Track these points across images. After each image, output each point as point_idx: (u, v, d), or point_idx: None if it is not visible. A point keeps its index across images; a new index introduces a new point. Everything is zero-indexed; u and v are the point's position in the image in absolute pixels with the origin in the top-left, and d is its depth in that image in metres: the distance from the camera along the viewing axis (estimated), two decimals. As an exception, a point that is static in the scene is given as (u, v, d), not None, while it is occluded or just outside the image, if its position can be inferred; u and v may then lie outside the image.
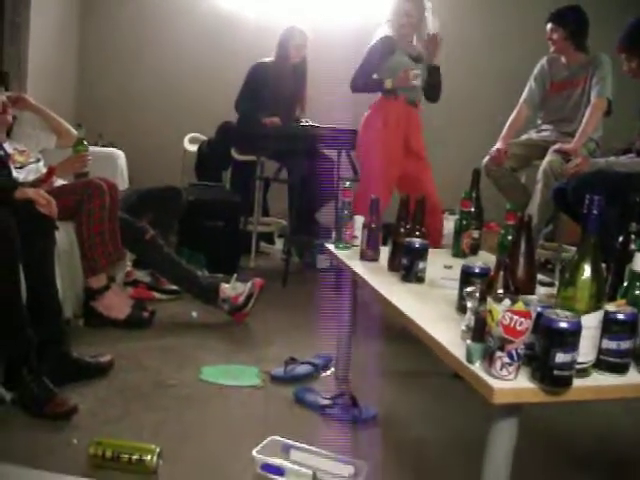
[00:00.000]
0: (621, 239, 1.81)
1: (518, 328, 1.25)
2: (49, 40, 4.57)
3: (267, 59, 4.40)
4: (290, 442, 1.94)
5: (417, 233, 2.13)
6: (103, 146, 4.34)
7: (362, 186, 3.59)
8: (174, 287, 3.41)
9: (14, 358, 2.16)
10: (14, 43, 4.10)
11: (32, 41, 4.19)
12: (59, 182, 3.13)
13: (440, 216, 3.64)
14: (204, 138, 4.94)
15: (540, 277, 1.95)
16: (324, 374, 2.65)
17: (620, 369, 1.37)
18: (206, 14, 5.28)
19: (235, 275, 3.28)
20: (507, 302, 1.29)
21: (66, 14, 4.97)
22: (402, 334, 2.21)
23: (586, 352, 1.32)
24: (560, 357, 1.24)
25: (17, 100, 3.23)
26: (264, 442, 1.92)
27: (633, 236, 1.80)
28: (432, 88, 3.72)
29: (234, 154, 4.47)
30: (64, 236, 2.75)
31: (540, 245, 4.05)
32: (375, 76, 3.63)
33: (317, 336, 3.01)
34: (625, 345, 1.37)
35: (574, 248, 2.31)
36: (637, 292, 1.52)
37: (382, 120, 3.61)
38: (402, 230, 2.20)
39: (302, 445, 1.93)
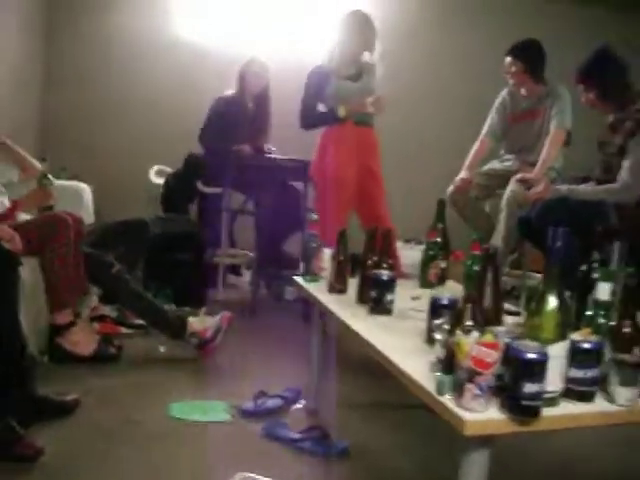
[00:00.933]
0: (583, 268, 1.86)
1: (487, 360, 1.27)
2: (11, 73, 4.53)
3: (230, 91, 4.43)
4: (260, 478, 1.92)
5: (384, 265, 2.14)
6: (68, 179, 4.30)
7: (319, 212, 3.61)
8: (141, 322, 3.37)
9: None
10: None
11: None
12: (23, 216, 3.10)
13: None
14: (170, 170, 4.93)
15: (507, 306, 1.98)
16: (294, 407, 2.63)
17: (587, 397, 1.39)
18: (172, 48, 5.30)
19: (203, 308, 3.26)
20: (475, 334, 1.31)
21: (29, 46, 4.95)
22: (371, 365, 2.22)
23: (554, 381, 1.34)
24: (528, 387, 1.26)
25: (-21, 135, 3.21)
26: (234, 478, 1.90)
27: (595, 265, 1.84)
28: None
29: (200, 186, 4.47)
30: (28, 271, 2.70)
31: (505, 272, 4.11)
32: (322, 107, 3.68)
33: (287, 369, 3.00)
34: (592, 373, 1.39)
35: (539, 275, 2.34)
36: (601, 320, 1.55)
37: (333, 145, 3.66)
38: (370, 262, 2.21)
39: (273, 481, 1.91)
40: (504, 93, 4.05)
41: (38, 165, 3.40)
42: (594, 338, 1.41)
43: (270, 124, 4.56)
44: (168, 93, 5.24)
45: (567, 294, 1.45)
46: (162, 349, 3.22)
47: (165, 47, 5.29)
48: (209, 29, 5.37)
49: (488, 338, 1.28)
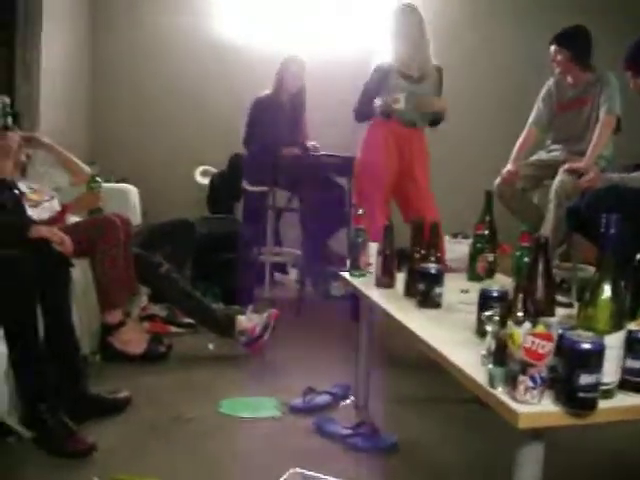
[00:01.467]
0: (638, 256, 1.80)
1: (540, 351, 1.24)
2: (60, 78, 4.62)
3: (266, 92, 4.44)
4: (312, 474, 1.92)
5: (432, 258, 2.12)
6: (116, 182, 4.37)
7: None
8: (190, 320, 3.41)
9: (33, 396, 2.15)
10: (26, 82, 4.14)
11: (43, 79, 4.24)
12: (73, 219, 3.16)
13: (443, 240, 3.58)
14: (215, 171, 4.97)
15: (558, 298, 1.93)
16: (343, 403, 2.63)
17: (646, 389, 1.36)
18: (214, 47, 5.33)
19: (250, 306, 3.28)
20: (528, 325, 1.28)
21: (76, 52, 5.04)
22: (419, 360, 2.20)
23: (610, 373, 1.30)
24: (584, 379, 1.23)
25: (30, 139, 3.28)
26: (285, 475, 1.91)
27: (651, 253, 1.79)
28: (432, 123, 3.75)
29: (245, 185, 4.49)
30: (80, 273, 2.76)
31: (555, 265, 4.03)
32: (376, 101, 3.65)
33: (335, 365, 3.00)
34: (649, 364, 1.35)
35: (589, 267, 2.28)
36: (658, 310, 1.50)
37: (375, 140, 3.63)
38: (417, 256, 2.19)
39: (324, 477, 1.91)
40: (550, 82, 3.97)
41: (87, 169, 3.46)
42: (651, 328, 1.37)
43: (305, 123, 4.55)
44: (212, 94, 5.28)
45: (622, 283, 1.41)
46: (211, 347, 3.25)
47: (209, 48, 5.33)
48: (251, 29, 5.38)
49: (541, 329, 1.26)
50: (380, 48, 3.72)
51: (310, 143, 4.49)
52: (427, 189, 3.69)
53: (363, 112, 3.66)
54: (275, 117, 4.34)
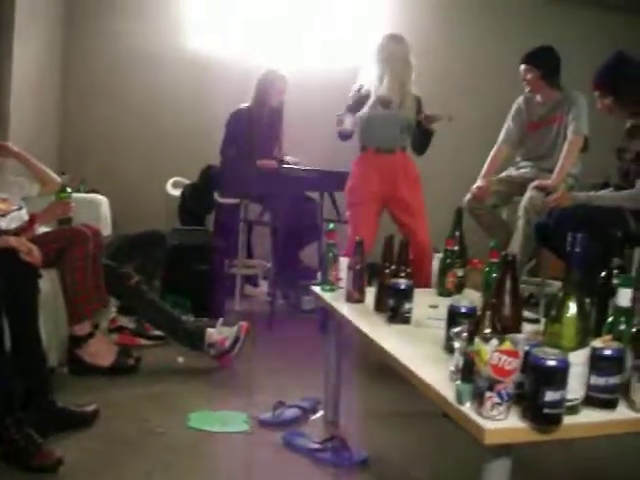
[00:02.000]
0: (603, 274, 1.84)
1: (507, 368, 1.26)
2: (30, 87, 4.58)
3: (245, 104, 4.44)
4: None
5: (402, 274, 2.13)
6: (86, 192, 4.33)
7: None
8: (159, 333, 3.38)
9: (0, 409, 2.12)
10: (-4, 91, 4.11)
11: (14, 89, 4.20)
12: (42, 229, 3.12)
13: (431, 261, 3.60)
14: (187, 182, 4.96)
15: (525, 314, 1.96)
16: (313, 417, 2.63)
17: (609, 405, 1.38)
18: (188, 59, 5.33)
19: (221, 319, 3.26)
20: (495, 342, 1.30)
21: (47, 63, 5.00)
22: (389, 375, 2.21)
23: (575, 389, 1.33)
24: (550, 395, 1.25)
25: (0, 148, 3.24)
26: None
27: (615, 271, 1.83)
28: (420, 145, 3.76)
29: (217, 197, 4.49)
30: (48, 284, 2.72)
31: (523, 280, 4.08)
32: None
33: (304, 379, 3.00)
34: (613, 381, 1.37)
35: (557, 282, 2.30)
36: (622, 327, 1.53)
37: (354, 171, 3.71)
38: (387, 271, 2.21)
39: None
40: (520, 100, 4.04)
41: (57, 178, 3.43)
42: (615, 345, 1.40)
43: (282, 136, 4.57)
44: (185, 106, 5.27)
45: (587, 301, 1.44)
46: (180, 360, 3.22)
47: (181, 60, 5.33)
48: (225, 42, 5.40)
49: (507, 346, 1.27)
50: (362, 65, 3.76)
51: (287, 157, 4.50)
52: (416, 210, 3.67)
53: (340, 132, 3.69)
54: (253, 130, 4.34)
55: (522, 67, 3.91)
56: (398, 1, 5.64)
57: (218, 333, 3.14)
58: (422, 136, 3.71)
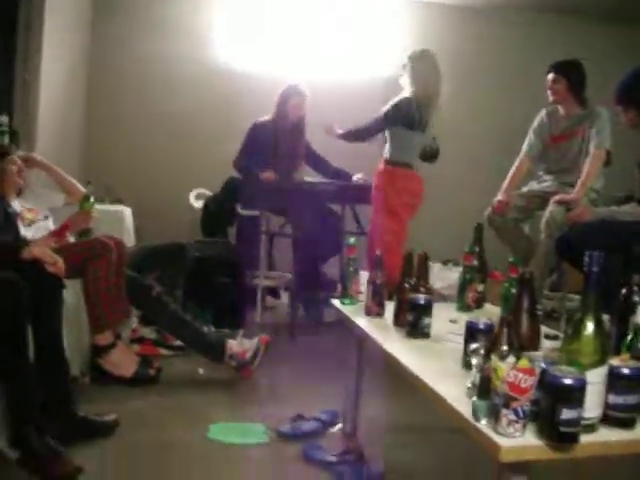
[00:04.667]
0: (624, 291, 1.83)
1: (523, 385, 1.26)
2: (58, 98, 4.66)
3: (266, 117, 4.48)
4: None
5: (422, 289, 2.14)
6: (111, 202, 4.39)
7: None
8: (180, 343, 3.41)
9: (21, 417, 2.15)
10: (24, 103, 4.18)
11: (41, 100, 4.28)
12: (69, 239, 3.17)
13: None
14: (210, 194, 5.00)
15: (545, 330, 1.96)
16: (331, 430, 2.63)
17: (627, 424, 1.37)
18: (213, 72, 5.40)
19: (242, 331, 3.28)
20: (511, 359, 1.30)
21: (74, 72, 5.08)
22: (408, 389, 2.21)
23: (592, 407, 1.32)
24: (566, 413, 1.24)
25: (27, 159, 3.30)
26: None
27: (636, 288, 1.81)
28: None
29: (239, 209, 4.52)
30: (71, 294, 2.77)
31: (545, 295, 4.06)
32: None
33: (324, 391, 3.00)
34: (631, 400, 1.36)
35: (579, 297, 2.28)
36: (641, 345, 1.53)
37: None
38: (406, 286, 2.21)
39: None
40: (542, 114, 4.03)
41: (82, 189, 3.48)
42: (634, 364, 1.39)
43: (302, 153, 4.59)
44: (209, 118, 5.33)
45: (607, 318, 1.44)
46: (201, 371, 3.25)
47: (207, 73, 5.40)
48: (250, 55, 5.46)
49: (524, 363, 1.27)
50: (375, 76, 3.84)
51: (297, 175, 4.51)
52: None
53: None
54: (270, 142, 4.37)
55: (550, 76, 3.91)
56: (416, 14, 5.66)
57: (239, 345, 3.15)
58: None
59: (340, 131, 4.05)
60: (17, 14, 4.07)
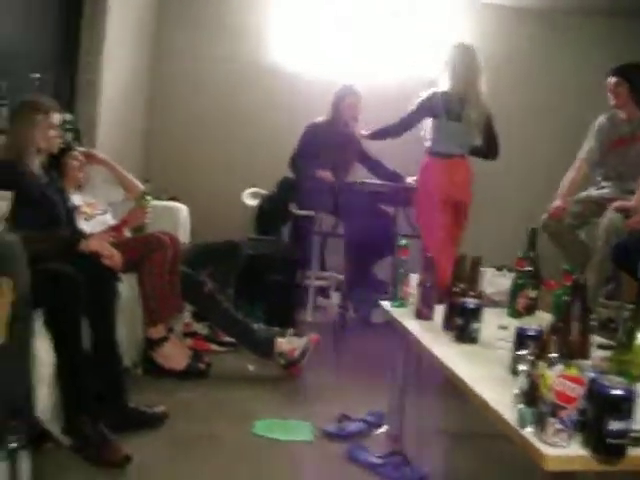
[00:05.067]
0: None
1: (571, 394, 1.24)
2: (119, 98, 4.77)
3: (320, 118, 4.50)
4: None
5: (472, 293, 2.12)
6: (168, 200, 4.47)
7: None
8: (231, 339, 3.45)
9: (75, 404, 2.22)
10: (87, 103, 4.29)
11: (103, 100, 4.39)
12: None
13: None
14: (264, 192, 5.04)
15: (599, 340, 1.92)
16: (377, 431, 2.63)
17: (677, 438, 1.34)
18: (267, 72, 5.44)
19: (291, 329, 3.31)
20: (560, 367, 1.28)
21: (135, 72, 5.20)
22: (455, 393, 2.19)
23: (642, 420, 1.30)
24: (614, 425, 1.22)
25: (88, 155, 3.40)
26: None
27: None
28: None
29: (293, 209, 4.55)
30: (127, 287, 2.83)
31: (602, 303, 3.97)
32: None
33: (372, 392, 3.00)
34: (682, 414, 1.33)
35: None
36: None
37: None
38: (457, 290, 2.20)
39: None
40: (602, 118, 3.94)
41: (141, 186, 3.56)
42: (686, 376, 1.36)
43: (355, 156, 4.59)
44: (264, 118, 5.38)
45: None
46: (250, 367, 3.29)
47: (263, 72, 5.44)
48: (307, 54, 5.48)
49: (572, 372, 1.26)
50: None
51: (349, 178, 4.52)
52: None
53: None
54: (326, 143, 4.39)
55: (611, 80, 3.81)
56: (470, 15, 5.59)
57: (288, 343, 3.18)
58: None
59: (365, 132, 4.12)
60: (81, 16, 4.18)
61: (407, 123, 3.86)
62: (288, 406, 2.87)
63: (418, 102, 3.80)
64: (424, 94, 3.80)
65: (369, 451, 2.35)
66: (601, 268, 3.49)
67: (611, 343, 2.03)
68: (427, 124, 3.82)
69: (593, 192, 3.93)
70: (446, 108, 3.72)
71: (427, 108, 3.76)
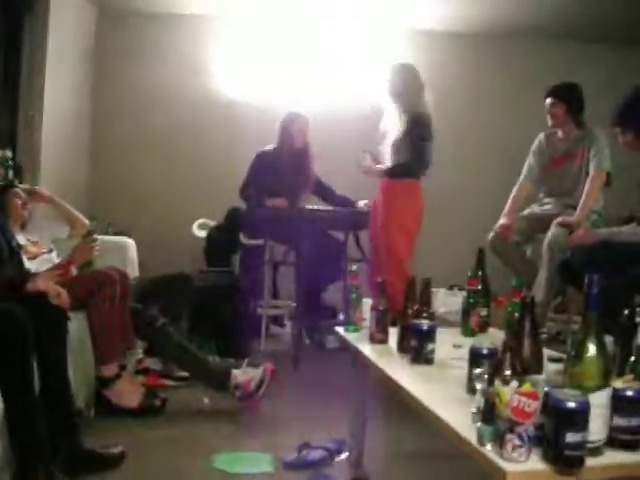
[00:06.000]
0: (626, 312, 1.83)
1: (527, 410, 1.26)
2: (61, 133, 4.71)
3: (270, 146, 4.51)
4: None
5: (424, 315, 2.14)
6: (114, 234, 4.40)
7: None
8: (185, 374, 3.40)
9: (26, 450, 2.15)
10: (28, 138, 4.23)
11: (45, 132, 4.32)
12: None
13: None
14: (213, 223, 5.02)
15: (549, 353, 1.95)
16: (338, 459, 2.61)
17: (633, 446, 1.37)
18: (213, 103, 5.45)
19: (246, 360, 3.28)
20: (514, 384, 1.30)
21: (77, 107, 5.15)
22: (414, 415, 2.20)
23: (597, 430, 1.32)
24: (571, 437, 1.24)
25: (31, 193, 3.34)
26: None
27: (638, 309, 1.81)
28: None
29: (242, 239, 4.53)
30: (76, 326, 2.77)
31: (550, 318, 4.05)
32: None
33: (331, 419, 2.98)
34: (636, 421, 1.36)
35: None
36: (645, 367, 1.52)
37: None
38: (409, 312, 2.22)
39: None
40: (541, 137, 4.06)
41: (87, 222, 3.51)
42: (637, 385, 1.39)
43: (308, 181, 4.59)
44: (210, 148, 5.38)
45: (610, 340, 1.44)
46: (206, 401, 3.24)
47: (207, 103, 5.45)
48: (249, 85, 5.51)
49: (527, 388, 1.28)
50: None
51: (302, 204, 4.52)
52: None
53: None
54: (275, 171, 4.39)
55: (548, 101, 3.93)
56: (408, 39, 5.70)
57: (243, 374, 3.14)
58: None
59: (381, 167, 3.96)
60: (21, 53, 4.13)
61: (427, 154, 3.83)
62: (247, 438, 2.84)
63: (419, 132, 3.80)
64: (408, 124, 3.81)
65: (331, 479, 2.33)
66: (548, 283, 3.57)
67: (561, 355, 2.07)
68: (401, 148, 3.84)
69: (536, 209, 4.03)
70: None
71: (429, 134, 3.82)
